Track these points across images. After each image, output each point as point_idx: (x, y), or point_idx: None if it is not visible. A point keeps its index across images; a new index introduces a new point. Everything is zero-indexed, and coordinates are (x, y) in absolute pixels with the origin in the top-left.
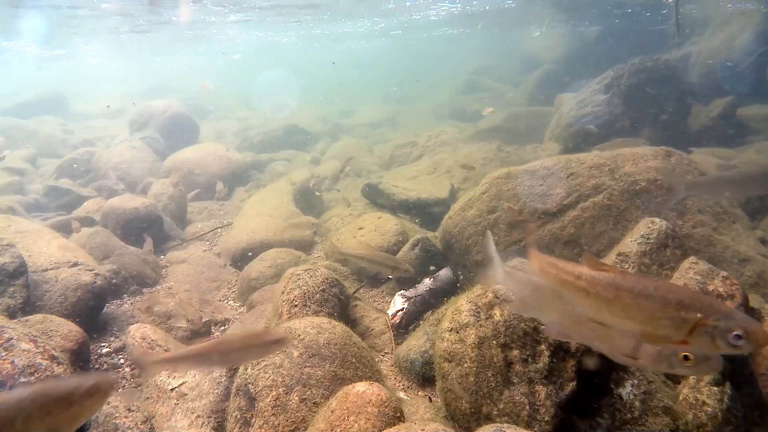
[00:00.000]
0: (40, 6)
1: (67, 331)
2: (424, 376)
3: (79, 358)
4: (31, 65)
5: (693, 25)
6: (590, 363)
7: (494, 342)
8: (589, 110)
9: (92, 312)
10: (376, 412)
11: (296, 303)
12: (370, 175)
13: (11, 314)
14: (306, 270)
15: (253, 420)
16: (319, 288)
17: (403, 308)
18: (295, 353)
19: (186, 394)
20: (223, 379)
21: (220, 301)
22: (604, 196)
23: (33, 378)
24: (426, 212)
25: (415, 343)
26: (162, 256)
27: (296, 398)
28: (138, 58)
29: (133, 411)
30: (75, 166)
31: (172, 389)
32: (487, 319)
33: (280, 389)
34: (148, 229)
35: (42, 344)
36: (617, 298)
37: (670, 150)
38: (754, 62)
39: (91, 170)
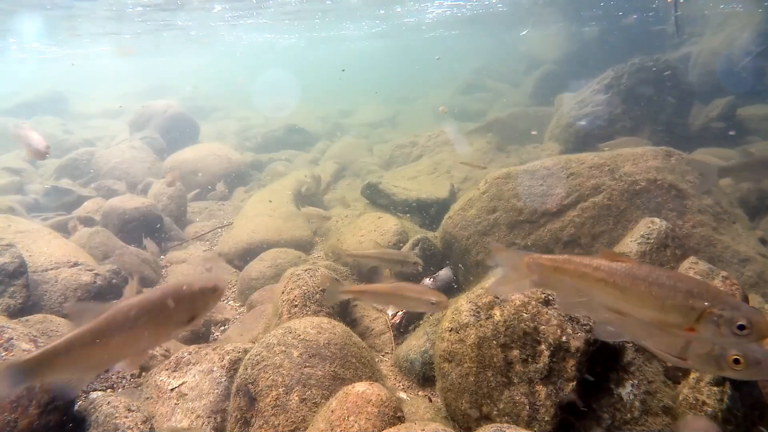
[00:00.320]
0: (46, 6)
1: (67, 331)
2: (424, 376)
3: None
4: (33, 65)
5: (693, 26)
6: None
7: (494, 342)
8: (589, 110)
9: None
10: (376, 412)
11: (296, 303)
12: (370, 175)
13: (11, 314)
14: (306, 270)
15: (253, 420)
16: (319, 288)
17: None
18: (295, 353)
19: (186, 394)
20: (223, 379)
21: (220, 301)
22: (604, 196)
23: None
24: (426, 212)
25: (415, 343)
26: (162, 256)
27: (296, 398)
28: (140, 58)
29: (133, 411)
30: (77, 163)
31: (172, 389)
32: (487, 319)
33: (280, 389)
34: (148, 229)
35: (42, 344)
36: (633, 287)
37: (670, 150)
38: (753, 62)
39: (91, 170)
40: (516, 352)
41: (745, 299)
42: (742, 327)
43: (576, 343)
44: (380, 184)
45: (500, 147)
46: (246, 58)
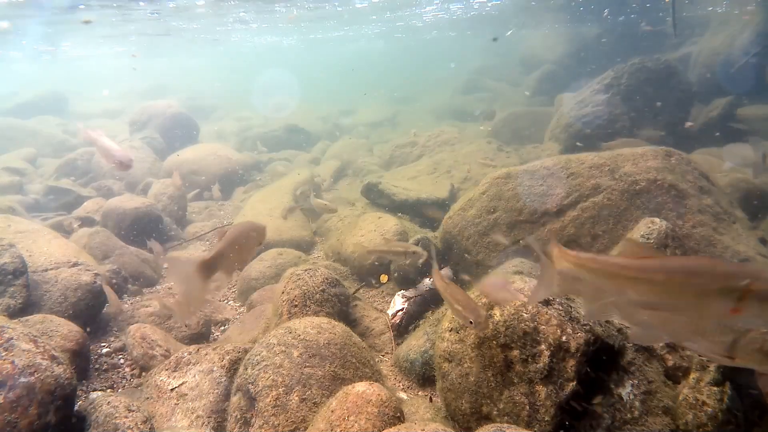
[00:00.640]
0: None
1: (67, 331)
2: (424, 376)
3: (79, 358)
4: (33, 65)
5: (692, 26)
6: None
7: (494, 342)
8: (589, 110)
9: (92, 312)
10: (376, 412)
11: (296, 303)
12: (370, 175)
13: (11, 314)
14: (306, 270)
15: (253, 420)
16: (319, 288)
17: (403, 308)
18: (295, 353)
19: (186, 394)
20: (223, 379)
21: (220, 301)
22: (604, 196)
23: (33, 378)
24: (426, 212)
25: (415, 343)
26: (162, 256)
27: (296, 398)
28: (142, 59)
29: (133, 411)
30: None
31: (172, 389)
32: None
33: (280, 389)
34: (148, 229)
35: (42, 344)
36: (669, 280)
37: (670, 150)
38: (751, 61)
39: (91, 170)
40: (516, 352)
41: None
42: None
43: (576, 343)
44: (380, 184)
45: (500, 147)
46: (247, 59)
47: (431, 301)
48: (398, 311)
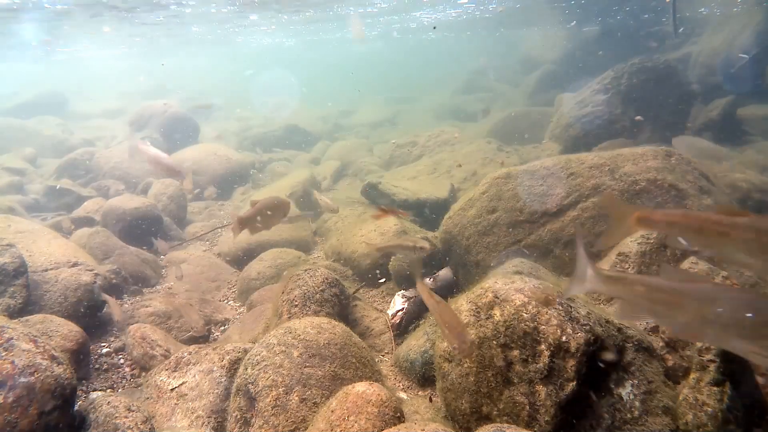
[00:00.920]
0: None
1: (67, 331)
2: (424, 376)
3: (79, 358)
4: (35, 64)
5: (692, 26)
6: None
7: (494, 342)
8: (589, 110)
9: (92, 312)
10: (376, 412)
11: (296, 303)
12: (370, 175)
13: (11, 314)
14: (306, 270)
15: (253, 420)
16: (319, 288)
17: (403, 308)
18: (295, 353)
19: (186, 394)
20: (223, 379)
21: (220, 301)
22: None
23: (33, 378)
24: (426, 212)
25: (415, 343)
26: (162, 256)
27: (296, 398)
28: (143, 59)
29: (133, 411)
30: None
31: (172, 389)
32: (487, 319)
33: (280, 389)
34: (148, 229)
35: (42, 344)
36: (759, 237)
37: (671, 150)
38: (753, 62)
39: (91, 170)
40: (516, 352)
41: None
42: None
43: (576, 343)
44: (380, 184)
45: (500, 147)
46: (248, 59)
47: None
48: (398, 311)
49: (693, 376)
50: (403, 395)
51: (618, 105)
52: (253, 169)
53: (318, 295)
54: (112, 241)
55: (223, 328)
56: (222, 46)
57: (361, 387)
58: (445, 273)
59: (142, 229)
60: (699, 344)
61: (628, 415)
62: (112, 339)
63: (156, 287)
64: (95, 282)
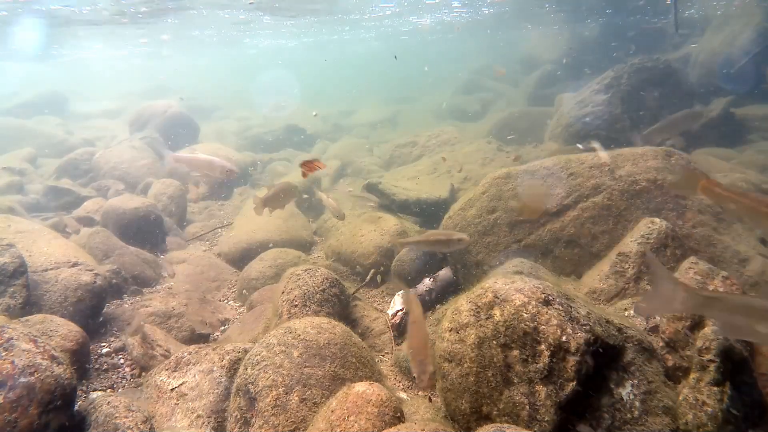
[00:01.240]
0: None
1: (67, 331)
2: None
3: (79, 358)
4: (38, 64)
5: (692, 26)
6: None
7: (494, 342)
8: (589, 110)
9: (92, 312)
10: (376, 412)
11: (296, 303)
12: (370, 175)
13: (11, 314)
14: (306, 270)
15: (253, 420)
16: (319, 288)
17: (403, 308)
18: (295, 353)
19: (186, 394)
20: (223, 379)
21: (220, 301)
22: (604, 196)
23: (33, 378)
24: (426, 212)
25: None
26: (162, 256)
27: (296, 398)
28: (143, 59)
29: (133, 411)
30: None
31: (172, 389)
32: (487, 319)
33: (280, 389)
34: (148, 229)
35: (42, 344)
36: None
37: (671, 150)
38: (751, 61)
39: (91, 170)
40: (516, 352)
41: None
42: None
43: (576, 343)
44: (380, 184)
45: (500, 147)
46: (249, 60)
47: (431, 301)
48: (398, 311)
49: (693, 376)
50: (403, 395)
51: (618, 105)
52: (250, 168)
53: (318, 295)
54: (112, 241)
55: (223, 328)
56: (225, 47)
57: (361, 387)
58: (445, 273)
59: (142, 229)
60: (699, 344)
61: (628, 415)
62: (112, 339)
63: (156, 287)
64: (95, 280)
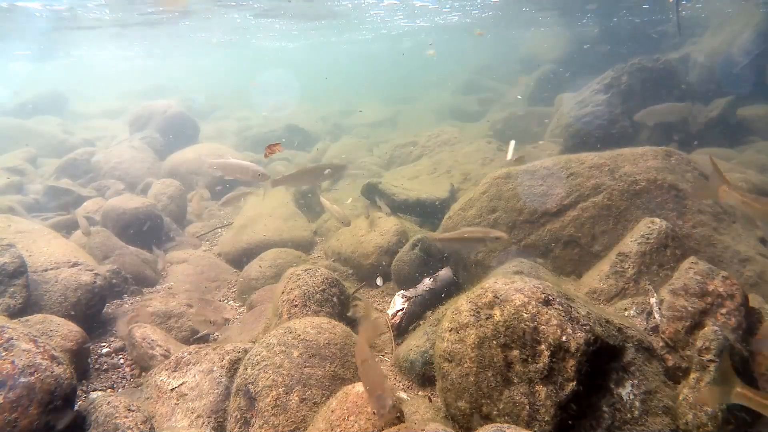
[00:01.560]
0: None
1: (67, 331)
2: (424, 376)
3: (79, 358)
4: (34, 65)
5: (692, 26)
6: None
7: (494, 342)
8: (589, 110)
9: (92, 312)
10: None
11: (296, 303)
12: (370, 175)
13: (11, 314)
14: (306, 270)
15: (253, 420)
16: (319, 288)
17: (403, 308)
18: (295, 353)
19: (186, 394)
20: (223, 379)
21: (220, 301)
22: (604, 196)
23: (33, 378)
24: (426, 212)
25: (415, 343)
26: (159, 251)
27: (296, 398)
28: (144, 58)
29: (133, 411)
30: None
31: (172, 389)
32: (487, 319)
33: (280, 389)
34: (148, 229)
35: (42, 344)
36: None
37: (671, 150)
38: (753, 62)
39: (91, 170)
40: (516, 352)
41: (745, 299)
42: None
43: (576, 343)
44: (380, 184)
45: (500, 147)
46: (249, 60)
47: (431, 301)
48: (398, 311)
49: (693, 376)
50: (403, 395)
51: (618, 105)
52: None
53: (318, 295)
54: (112, 241)
55: (223, 328)
56: (226, 48)
57: (361, 387)
58: (445, 273)
59: (142, 229)
60: (699, 344)
61: (628, 415)
62: (112, 339)
63: (156, 287)
64: (95, 280)
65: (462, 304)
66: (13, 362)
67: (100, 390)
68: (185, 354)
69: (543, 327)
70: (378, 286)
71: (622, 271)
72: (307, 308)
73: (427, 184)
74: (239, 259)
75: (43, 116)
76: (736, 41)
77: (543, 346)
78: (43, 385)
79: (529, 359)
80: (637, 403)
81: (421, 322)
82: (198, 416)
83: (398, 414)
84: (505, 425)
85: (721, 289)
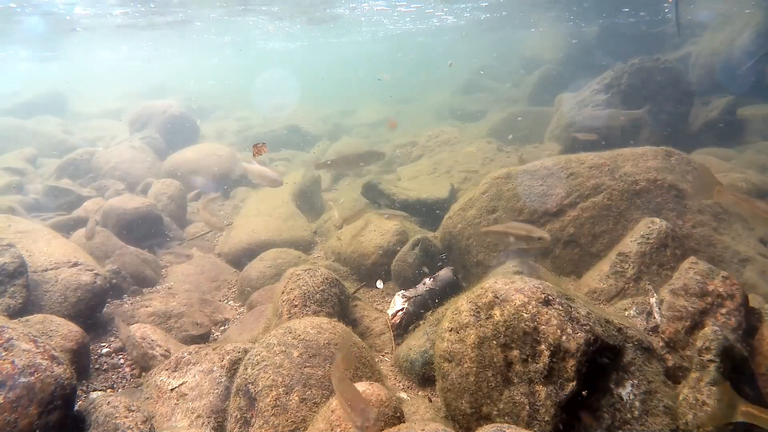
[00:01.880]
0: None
1: (67, 331)
2: (424, 376)
3: (79, 358)
4: (34, 65)
5: (692, 26)
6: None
7: (494, 342)
8: (589, 110)
9: (92, 312)
10: (376, 412)
11: (296, 303)
12: (370, 175)
13: (11, 314)
14: (306, 270)
15: (253, 420)
16: (319, 288)
17: (403, 308)
18: (295, 353)
19: (186, 394)
20: (223, 379)
21: (220, 301)
22: (604, 196)
23: (33, 378)
24: (426, 212)
25: (415, 343)
26: (161, 252)
27: (296, 398)
28: (144, 58)
29: (133, 411)
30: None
31: (172, 389)
32: (487, 319)
33: (280, 389)
34: (148, 230)
35: (42, 344)
36: None
37: (671, 150)
38: (759, 63)
39: (91, 170)
40: (516, 352)
41: (745, 299)
42: None
43: (576, 343)
44: (380, 184)
45: (500, 147)
46: (249, 60)
47: (431, 301)
48: (398, 311)
49: (693, 376)
50: (403, 395)
51: (618, 105)
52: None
53: (318, 295)
54: (113, 241)
55: (223, 328)
56: (227, 49)
57: (361, 387)
58: (445, 273)
59: (143, 229)
60: (699, 344)
61: (628, 415)
62: (112, 339)
63: (156, 287)
64: (95, 280)
65: (462, 304)
66: (13, 362)
67: (100, 390)
68: (185, 354)
69: (543, 327)
70: (378, 289)
71: (622, 271)
72: (307, 308)
73: (427, 184)
74: (239, 259)
75: (43, 116)
76: (736, 41)
77: (543, 346)
78: (43, 385)
79: (529, 359)
80: (637, 403)
81: (421, 322)
82: (198, 416)
83: (382, 426)
84: (505, 425)
85: (721, 289)
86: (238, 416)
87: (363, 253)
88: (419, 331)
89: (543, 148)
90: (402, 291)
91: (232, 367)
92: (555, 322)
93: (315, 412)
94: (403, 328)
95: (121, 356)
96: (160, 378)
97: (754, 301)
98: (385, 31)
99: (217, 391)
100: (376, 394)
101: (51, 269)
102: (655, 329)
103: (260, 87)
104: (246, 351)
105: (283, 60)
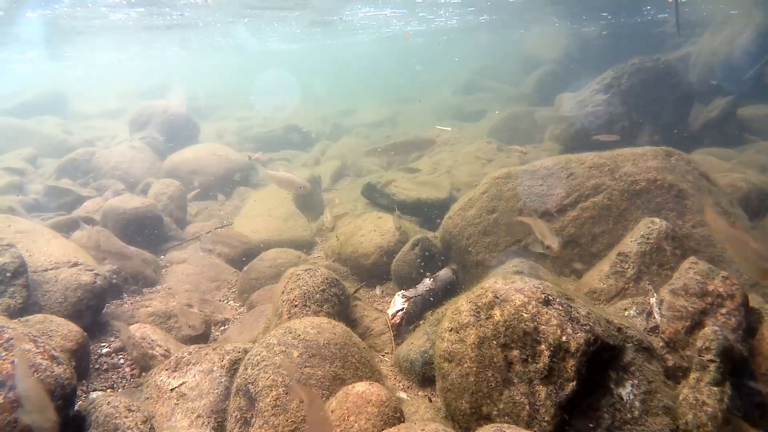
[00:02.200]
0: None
1: (67, 331)
2: (424, 376)
3: (79, 358)
4: (34, 65)
5: (692, 26)
6: None
7: (494, 342)
8: (589, 110)
9: (92, 312)
10: (376, 412)
11: (296, 303)
12: (370, 175)
13: (11, 314)
14: (306, 270)
15: (253, 420)
16: (319, 288)
17: (403, 308)
18: (295, 353)
19: (186, 394)
20: (223, 379)
21: (220, 301)
22: (604, 196)
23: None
24: (426, 212)
25: (415, 343)
26: (162, 256)
27: (296, 398)
28: (144, 57)
29: (133, 411)
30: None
31: (172, 389)
32: (487, 319)
33: (280, 389)
34: (148, 230)
35: (42, 344)
36: None
37: (671, 150)
38: (762, 67)
39: (91, 170)
40: (516, 352)
41: (745, 299)
42: None
43: (576, 343)
44: (380, 184)
45: (500, 147)
46: (250, 61)
47: (431, 301)
48: (398, 311)
49: (693, 376)
50: (403, 395)
51: (618, 105)
52: (237, 173)
53: (318, 295)
54: (112, 241)
55: (223, 328)
56: (230, 49)
57: (361, 387)
58: (445, 273)
59: (143, 230)
60: (699, 344)
61: (628, 415)
62: (112, 339)
63: (156, 287)
64: (95, 280)
65: (462, 304)
66: (13, 362)
67: (100, 390)
68: (185, 354)
69: (543, 327)
70: (377, 295)
71: (622, 271)
72: (307, 308)
73: (427, 184)
74: (239, 259)
75: (43, 116)
76: (736, 41)
77: (543, 346)
78: (43, 385)
79: (529, 359)
80: (637, 403)
81: (421, 322)
82: (198, 416)
83: (382, 426)
84: (505, 425)
85: (721, 289)
86: (238, 416)
87: (363, 253)
88: (419, 331)
89: (543, 148)
90: (402, 291)
91: (232, 367)
92: (555, 322)
93: None
94: (403, 328)
95: (121, 356)
96: (160, 378)
97: (754, 301)
98: (382, 33)
99: (217, 391)
100: (376, 394)
101: (51, 269)
102: (655, 329)
103: (260, 87)
104: (246, 351)
105: (283, 60)
